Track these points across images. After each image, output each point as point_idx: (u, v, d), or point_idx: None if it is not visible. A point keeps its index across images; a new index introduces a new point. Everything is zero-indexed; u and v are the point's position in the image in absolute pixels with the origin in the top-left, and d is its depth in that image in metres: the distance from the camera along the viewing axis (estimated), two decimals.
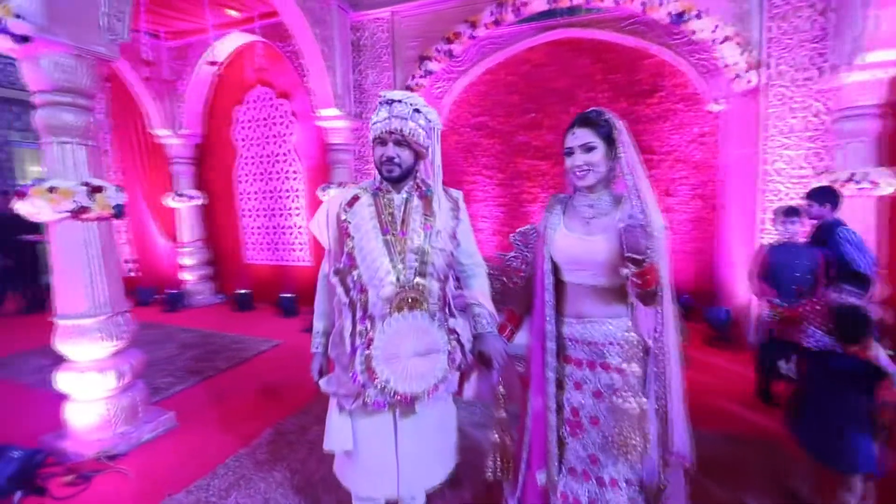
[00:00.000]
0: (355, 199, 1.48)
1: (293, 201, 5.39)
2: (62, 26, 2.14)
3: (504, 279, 3.09)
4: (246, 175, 5.58)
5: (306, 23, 3.91)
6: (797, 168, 3.54)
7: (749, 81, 3.60)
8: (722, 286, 4.35)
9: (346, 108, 4.53)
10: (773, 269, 2.74)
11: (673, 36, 4.20)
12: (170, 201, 5.40)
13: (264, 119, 5.33)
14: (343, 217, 1.45)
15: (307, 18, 3.90)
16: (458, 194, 1.56)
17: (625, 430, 1.26)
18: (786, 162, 3.57)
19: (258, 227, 5.62)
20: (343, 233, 1.44)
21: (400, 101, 1.38)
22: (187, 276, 5.61)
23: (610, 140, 1.32)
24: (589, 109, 1.37)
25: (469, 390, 1.68)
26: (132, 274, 6.12)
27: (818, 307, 2.02)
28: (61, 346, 2.36)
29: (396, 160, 1.40)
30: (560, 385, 1.43)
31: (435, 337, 1.43)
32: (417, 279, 1.42)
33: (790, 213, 2.72)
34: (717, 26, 3.54)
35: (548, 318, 1.41)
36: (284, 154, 5.33)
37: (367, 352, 1.38)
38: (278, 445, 2.45)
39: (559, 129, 4.44)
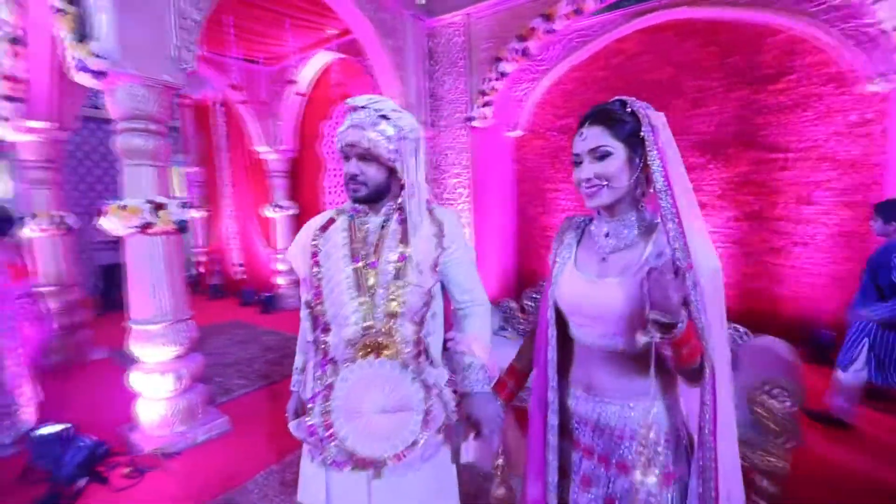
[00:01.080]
0: (330, 222, 1.30)
1: None
2: (134, 60, 2.35)
3: None
4: (331, 187, 5.86)
5: (376, 35, 3.91)
6: None
7: None
8: None
9: (419, 118, 4.45)
10: None
11: (809, 1, 3.29)
12: (267, 212, 5.92)
13: None
14: (314, 243, 1.28)
15: (377, 31, 3.90)
16: (445, 216, 1.28)
17: None
18: None
19: None
20: (314, 260, 1.26)
21: (364, 108, 1.16)
22: (280, 281, 6.08)
23: (636, 141, 0.94)
24: (612, 100, 0.99)
25: (468, 452, 1.39)
26: (241, 276, 6.88)
27: None
28: (133, 347, 2.60)
29: (361, 178, 1.18)
30: (564, 473, 1.06)
31: (407, 391, 1.17)
32: (387, 320, 1.18)
33: None
34: None
35: (550, 384, 1.06)
36: None
37: (326, 403, 1.18)
38: None
39: None
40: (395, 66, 4.14)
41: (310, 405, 1.22)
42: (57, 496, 2.18)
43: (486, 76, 4.28)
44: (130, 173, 2.49)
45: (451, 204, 4.69)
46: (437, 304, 1.28)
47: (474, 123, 4.45)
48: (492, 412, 1.19)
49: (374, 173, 1.18)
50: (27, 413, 2.65)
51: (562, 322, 1.07)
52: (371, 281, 1.20)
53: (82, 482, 2.27)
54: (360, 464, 1.16)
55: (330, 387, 1.19)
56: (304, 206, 6.13)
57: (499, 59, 4.16)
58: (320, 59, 5.19)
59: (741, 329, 2.51)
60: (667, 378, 0.95)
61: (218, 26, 3.82)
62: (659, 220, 0.95)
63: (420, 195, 1.24)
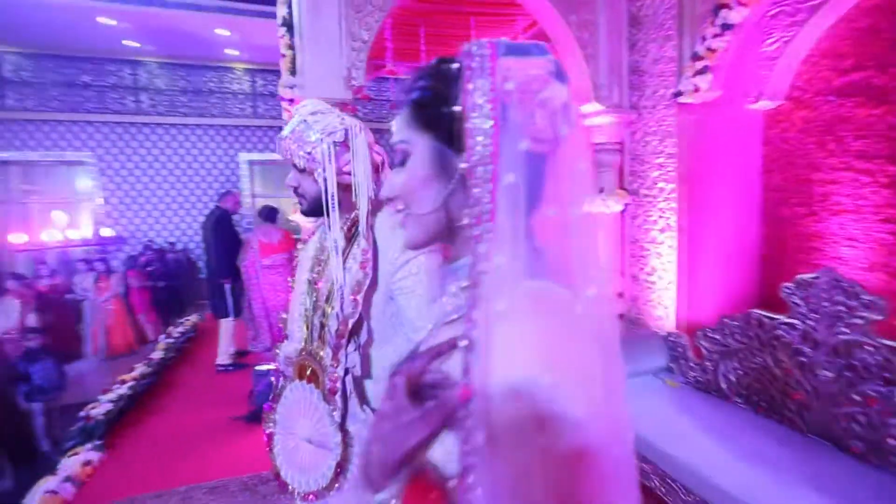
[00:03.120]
0: (311, 234, 1.30)
1: None
2: (315, 84, 2.88)
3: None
4: None
5: (555, 12, 3.53)
6: None
7: None
8: None
9: (610, 99, 3.81)
10: None
11: None
12: None
13: None
14: (299, 253, 1.30)
15: (556, 7, 3.51)
16: (387, 235, 1.06)
17: None
18: None
19: None
20: (292, 272, 1.29)
21: (296, 114, 1.08)
22: None
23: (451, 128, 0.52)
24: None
25: None
26: None
27: None
28: None
29: (299, 190, 1.11)
30: None
31: (326, 429, 1.06)
32: (318, 345, 1.09)
33: None
34: None
35: None
36: None
37: (273, 414, 1.20)
38: None
39: None
40: (580, 44, 3.64)
41: (265, 411, 1.25)
42: (252, 417, 2.99)
43: (704, 34, 3.25)
44: None
45: (650, 202, 3.85)
46: (381, 339, 1.08)
47: (683, 99, 3.48)
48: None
49: (308, 185, 1.09)
50: (265, 341, 3.68)
51: None
52: (317, 298, 1.12)
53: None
54: (282, 486, 1.12)
55: (277, 398, 1.19)
56: None
57: (722, 7, 3.09)
58: None
59: None
60: None
61: (412, 38, 4.23)
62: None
63: (364, 207, 1.07)
